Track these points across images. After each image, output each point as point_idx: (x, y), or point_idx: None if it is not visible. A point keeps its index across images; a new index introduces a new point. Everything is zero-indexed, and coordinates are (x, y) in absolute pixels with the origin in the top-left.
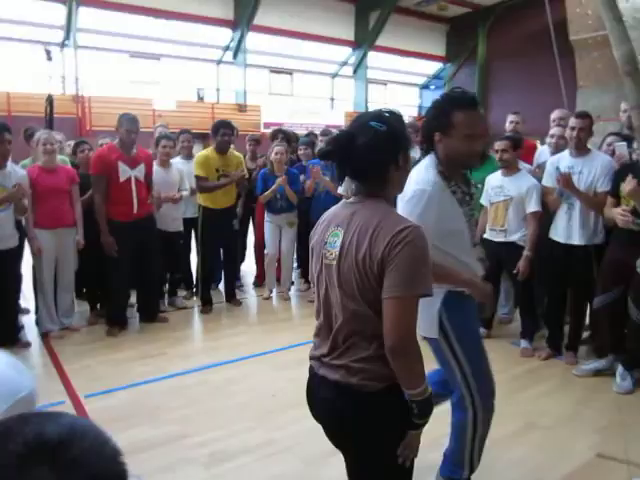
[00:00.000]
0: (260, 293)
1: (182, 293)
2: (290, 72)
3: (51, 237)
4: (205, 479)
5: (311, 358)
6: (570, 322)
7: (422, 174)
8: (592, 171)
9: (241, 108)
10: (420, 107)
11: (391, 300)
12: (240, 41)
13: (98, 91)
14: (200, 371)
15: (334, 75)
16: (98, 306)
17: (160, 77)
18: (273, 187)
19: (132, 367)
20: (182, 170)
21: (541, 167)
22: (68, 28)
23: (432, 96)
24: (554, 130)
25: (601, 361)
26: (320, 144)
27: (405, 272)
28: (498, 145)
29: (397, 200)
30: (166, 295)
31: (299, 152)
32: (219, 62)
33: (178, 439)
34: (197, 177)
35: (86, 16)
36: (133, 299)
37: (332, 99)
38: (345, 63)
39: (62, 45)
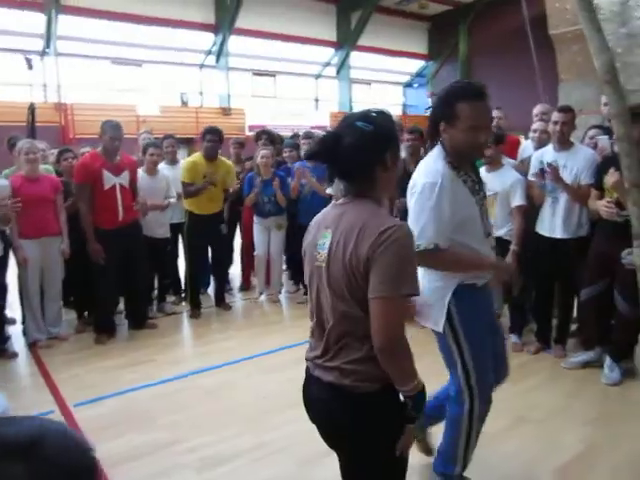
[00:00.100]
0: (248, 296)
1: (171, 299)
2: (273, 74)
3: (36, 247)
4: None
5: (307, 359)
6: (558, 315)
7: (430, 165)
8: (575, 164)
9: (225, 111)
10: (404, 106)
11: (377, 300)
12: (222, 45)
13: (81, 98)
14: (190, 376)
15: (317, 76)
16: (86, 314)
17: (143, 83)
18: (255, 189)
19: (121, 374)
20: (168, 176)
21: (525, 162)
22: (48, 36)
23: (416, 94)
24: (537, 125)
25: (589, 353)
26: (303, 147)
27: (390, 272)
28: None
29: (407, 195)
30: (155, 301)
31: (284, 154)
32: (202, 66)
33: (169, 445)
34: (183, 183)
35: (66, 24)
36: (121, 306)
37: (316, 100)
38: (328, 64)
39: (42, 53)
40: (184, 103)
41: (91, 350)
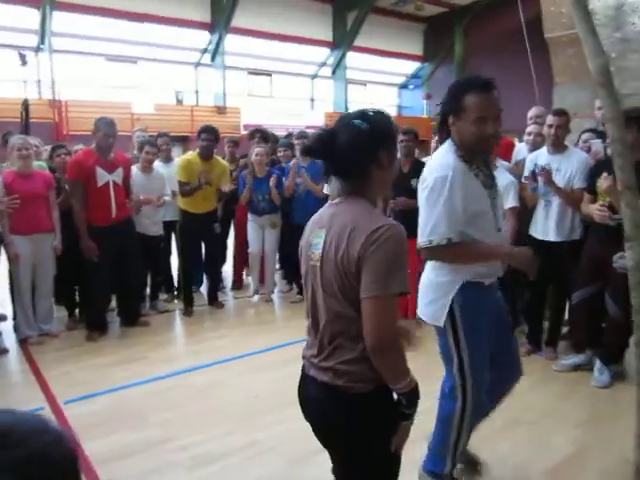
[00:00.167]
0: (241, 295)
1: (163, 296)
2: (269, 73)
3: (28, 243)
4: None
5: (303, 357)
6: (549, 318)
7: (441, 159)
8: (569, 168)
9: (220, 110)
10: (399, 107)
11: (369, 300)
12: (218, 43)
13: (75, 95)
14: (182, 374)
15: (313, 76)
16: (77, 312)
17: (138, 80)
18: (247, 186)
19: (113, 372)
20: (162, 174)
21: (519, 164)
22: (42, 32)
23: (411, 95)
24: (531, 127)
25: (580, 356)
26: (297, 146)
27: (381, 270)
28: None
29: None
30: (147, 299)
31: (279, 154)
32: (197, 65)
33: (161, 443)
34: (179, 182)
35: (61, 20)
36: (114, 303)
37: (312, 100)
38: (324, 64)
39: (37, 49)
40: (179, 101)
41: (82, 347)
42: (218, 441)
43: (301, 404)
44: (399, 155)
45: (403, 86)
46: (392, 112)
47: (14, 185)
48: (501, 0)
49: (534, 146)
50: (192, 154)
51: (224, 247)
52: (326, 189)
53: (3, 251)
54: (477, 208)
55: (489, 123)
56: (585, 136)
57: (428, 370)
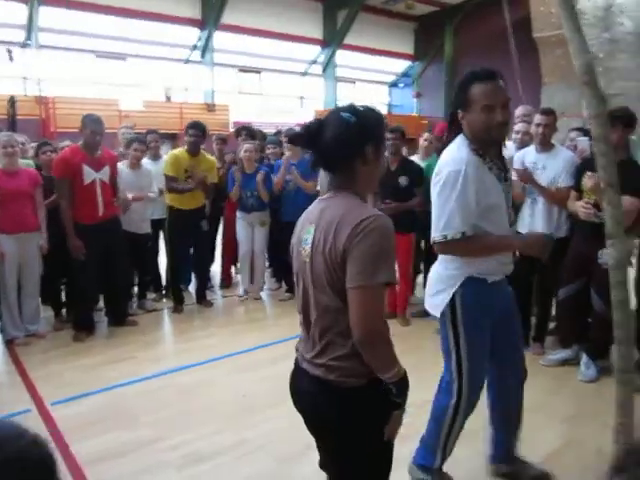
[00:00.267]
0: (230, 293)
1: (151, 295)
2: (259, 71)
3: (14, 242)
4: None
5: (296, 350)
6: (536, 314)
7: (454, 154)
8: (555, 166)
9: (210, 108)
10: (389, 105)
11: (355, 290)
12: (208, 40)
13: (63, 92)
14: (171, 374)
15: (303, 74)
16: (64, 312)
17: (126, 77)
18: (236, 183)
19: (101, 372)
20: (150, 171)
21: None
22: (29, 28)
23: (401, 94)
24: (519, 126)
25: (567, 351)
26: (286, 145)
27: (366, 261)
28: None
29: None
30: (135, 298)
31: (267, 151)
32: (187, 61)
33: (150, 443)
34: (166, 176)
35: (48, 15)
36: (101, 303)
37: (302, 98)
38: (314, 62)
39: (24, 45)
40: (168, 98)
41: (69, 348)
42: (208, 440)
43: (293, 395)
44: (387, 153)
45: (393, 84)
46: (382, 110)
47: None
48: (491, 0)
49: (522, 144)
50: (180, 150)
51: (213, 246)
52: (318, 186)
53: None
54: (491, 201)
55: (497, 111)
56: (572, 135)
57: (419, 367)
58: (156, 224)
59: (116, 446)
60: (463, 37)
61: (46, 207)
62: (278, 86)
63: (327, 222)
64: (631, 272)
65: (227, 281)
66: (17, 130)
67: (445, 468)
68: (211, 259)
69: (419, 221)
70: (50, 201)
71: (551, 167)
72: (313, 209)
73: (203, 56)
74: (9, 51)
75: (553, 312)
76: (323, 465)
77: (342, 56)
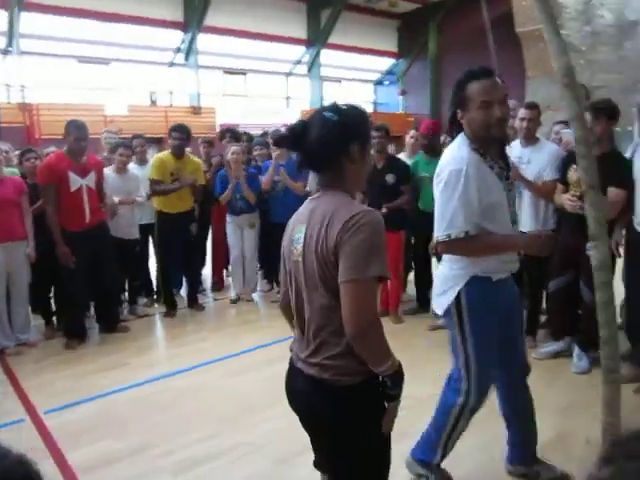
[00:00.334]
0: (222, 296)
1: (142, 301)
2: (244, 72)
3: (1, 251)
4: None
5: (291, 350)
6: (527, 307)
7: (455, 153)
8: (540, 160)
9: (195, 110)
10: (375, 103)
11: (347, 284)
12: (191, 43)
13: (46, 98)
14: (164, 379)
15: (288, 74)
16: (54, 319)
17: (110, 82)
18: (230, 186)
19: (93, 380)
20: (137, 176)
21: None
22: (10, 34)
23: (387, 92)
24: None
25: (559, 343)
26: (273, 146)
27: (358, 255)
28: (444, 138)
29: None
30: (126, 304)
31: (254, 152)
32: (171, 65)
33: (145, 449)
34: (151, 180)
35: (29, 21)
36: (92, 310)
37: (288, 98)
38: (299, 62)
39: (5, 52)
40: (153, 102)
41: (61, 356)
42: (202, 444)
43: (288, 395)
44: (372, 151)
45: (378, 82)
46: (368, 108)
47: None
48: None
49: None
50: (165, 153)
51: (203, 249)
52: (308, 186)
53: None
54: (493, 199)
55: (495, 107)
56: (557, 128)
57: (412, 365)
58: (145, 229)
59: (111, 453)
60: (446, 34)
61: (32, 214)
62: (263, 87)
63: (318, 220)
64: (619, 262)
65: (219, 284)
66: (1, 138)
67: (447, 463)
68: (202, 262)
69: (409, 218)
70: (36, 207)
71: (536, 161)
72: (303, 210)
73: (187, 59)
74: None
75: (544, 305)
76: (318, 465)
77: (327, 55)
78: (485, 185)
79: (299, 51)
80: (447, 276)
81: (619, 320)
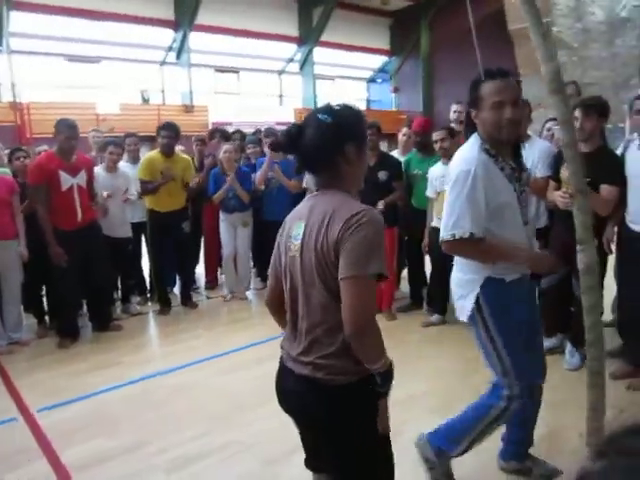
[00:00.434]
0: (215, 294)
1: (136, 299)
2: (236, 70)
3: None
4: None
5: (281, 347)
6: None
7: (466, 153)
8: (531, 157)
9: (188, 109)
10: (368, 100)
11: (347, 281)
12: (183, 41)
13: (37, 97)
14: (157, 377)
15: (281, 72)
16: (47, 318)
17: (102, 80)
18: (225, 186)
19: (86, 378)
20: (129, 174)
21: None
22: (0, 33)
23: (379, 89)
24: None
25: (551, 340)
26: (266, 144)
27: (359, 252)
28: (436, 135)
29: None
30: (119, 302)
31: (247, 150)
32: (162, 63)
33: (138, 447)
34: (141, 180)
35: (19, 20)
36: (85, 309)
37: (280, 96)
38: (291, 60)
39: None
40: (145, 101)
41: (54, 355)
42: (195, 442)
43: (278, 395)
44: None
45: (371, 80)
46: (361, 106)
47: None
48: None
49: None
50: (154, 152)
51: (197, 247)
52: (305, 183)
53: None
54: (501, 201)
55: (506, 108)
56: (549, 125)
57: (404, 361)
58: (137, 227)
59: (104, 451)
60: (438, 31)
61: (22, 213)
62: (256, 85)
63: (318, 217)
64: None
65: (212, 282)
66: None
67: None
68: (195, 261)
69: (402, 215)
70: (24, 207)
71: (527, 158)
72: (302, 207)
73: (179, 57)
74: None
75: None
76: (309, 464)
77: (319, 53)
78: (493, 186)
79: (291, 49)
80: (462, 280)
81: (611, 316)
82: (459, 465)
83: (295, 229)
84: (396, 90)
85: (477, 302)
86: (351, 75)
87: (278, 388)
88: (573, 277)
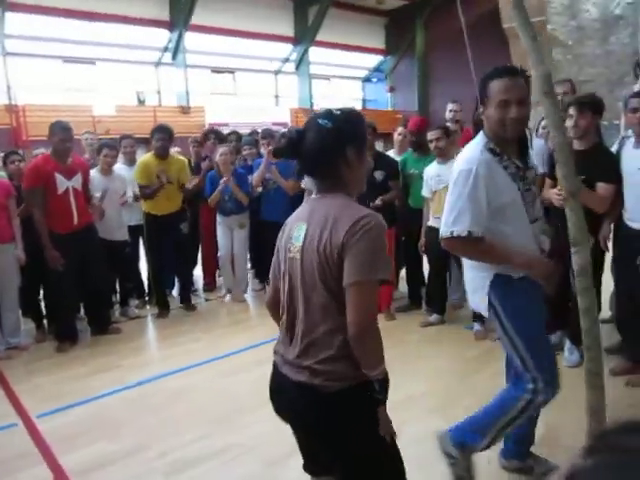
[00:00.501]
0: (214, 296)
1: (134, 302)
2: (232, 71)
3: None
4: None
5: (275, 352)
6: None
7: (469, 152)
8: None
9: (184, 110)
10: (364, 100)
11: (353, 286)
12: (178, 42)
13: (33, 99)
14: (156, 380)
15: (277, 72)
16: (45, 323)
17: (97, 82)
18: (219, 187)
19: (86, 382)
20: (125, 177)
21: None
22: None
23: (375, 89)
24: None
25: (550, 337)
26: (263, 146)
27: (365, 258)
28: (431, 135)
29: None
30: (117, 305)
31: (244, 152)
32: (158, 64)
33: (138, 451)
34: (140, 186)
35: (15, 22)
36: (83, 312)
37: (276, 96)
38: (287, 59)
39: None
40: (141, 102)
41: (53, 359)
42: (195, 445)
43: (273, 402)
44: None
45: (367, 79)
46: (357, 105)
47: None
48: None
49: None
50: (148, 155)
51: (195, 249)
52: (303, 183)
53: None
54: (505, 201)
55: (512, 107)
56: (544, 122)
57: (405, 362)
58: (134, 230)
59: (104, 456)
60: (433, 30)
61: (18, 217)
62: (252, 85)
63: (321, 219)
64: (608, 256)
65: (211, 284)
66: None
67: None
68: (193, 263)
69: (400, 215)
70: (21, 210)
71: None
72: (302, 209)
73: (175, 58)
74: None
75: None
76: (307, 469)
77: (315, 53)
78: (495, 185)
79: (287, 49)
80: (473, 278)
81: (609, 313)
82: None
83: (296, 231)
84: (392, 89)
85: (489, 300)
86: (347, 75)
87: (272, 395)
88: (571, 274)
